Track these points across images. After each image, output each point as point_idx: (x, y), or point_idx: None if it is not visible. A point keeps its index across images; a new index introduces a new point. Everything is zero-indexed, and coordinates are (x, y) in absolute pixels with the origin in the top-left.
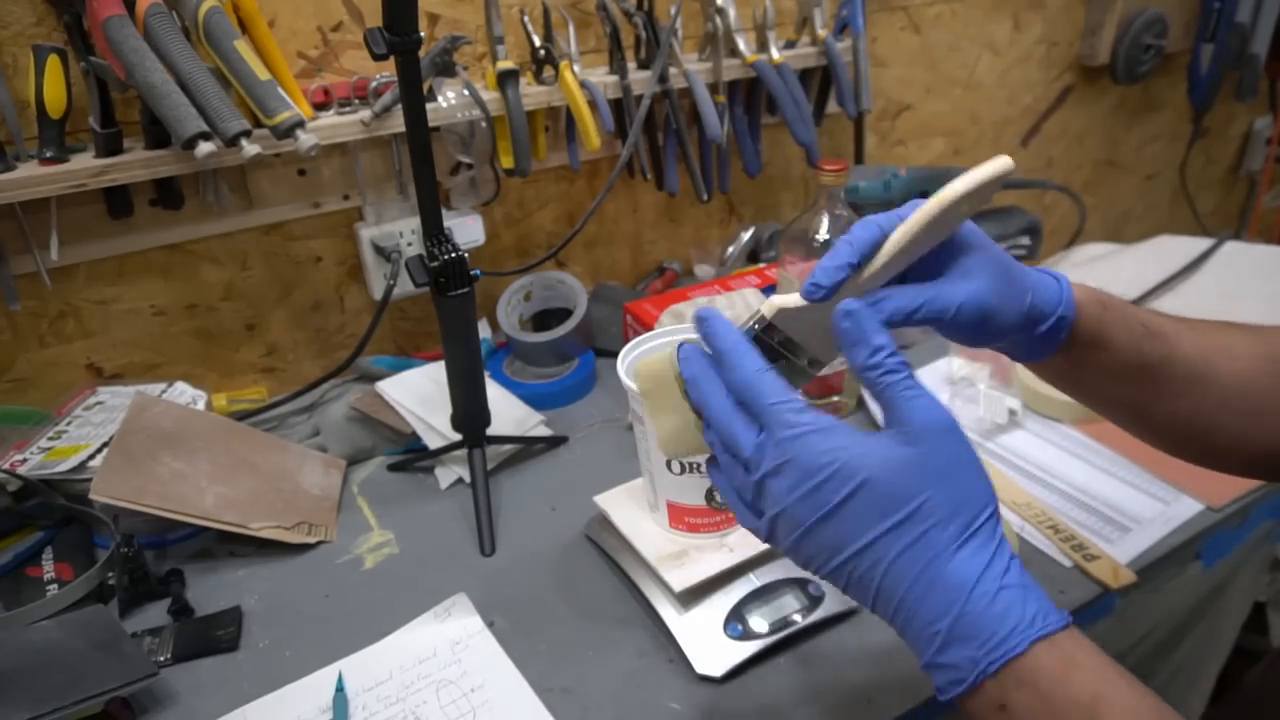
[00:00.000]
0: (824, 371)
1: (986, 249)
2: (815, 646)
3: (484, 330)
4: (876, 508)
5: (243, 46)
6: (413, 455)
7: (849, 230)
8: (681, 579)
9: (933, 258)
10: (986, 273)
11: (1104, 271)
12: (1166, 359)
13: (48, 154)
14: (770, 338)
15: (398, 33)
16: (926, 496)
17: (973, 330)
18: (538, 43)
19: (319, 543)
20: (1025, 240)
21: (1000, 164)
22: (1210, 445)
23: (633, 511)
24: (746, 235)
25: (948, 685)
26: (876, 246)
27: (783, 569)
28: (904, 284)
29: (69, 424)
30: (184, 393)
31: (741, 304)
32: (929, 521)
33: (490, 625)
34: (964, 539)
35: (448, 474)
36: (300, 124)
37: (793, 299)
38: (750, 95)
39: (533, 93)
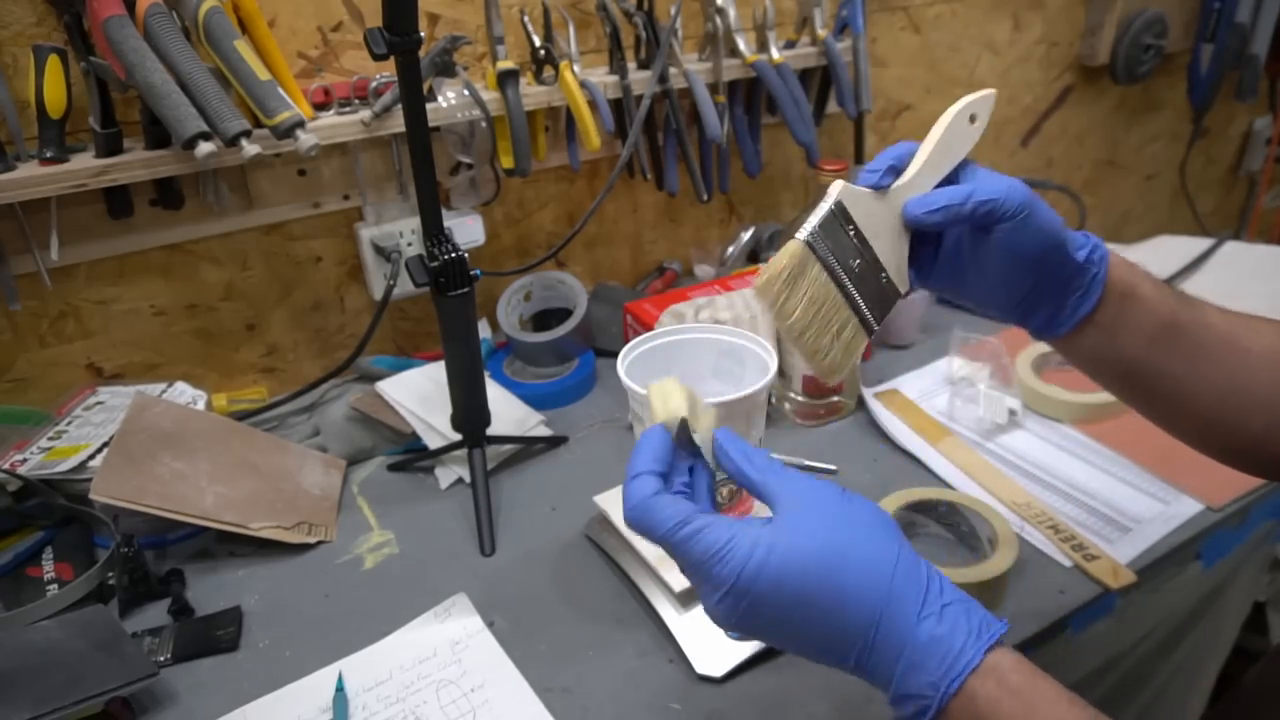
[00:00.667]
0: (898, 287)
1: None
2: None
3: (484, 330)
4: (801, 594)
5: (243, 46)
6: (413, 455)
7: (882, 151)
8: (681, 579)
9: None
10: (1018, 182)
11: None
12: (1198, 321)
13: (48, 154)
14: (844, 227)
15: (398, 33)
16: (838, 580)
17: (1016, 236)
18: (538, 43)
19: (319, 543)
20: None
21: (988, 90)
22: (1239, 433)
23: None
24: (746, 235)
25: (914, 716)
26: (909, 158)
27: None
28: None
29: (69, 424)
30: (184, 393)
31: (741, 304)
32: (855, 595)
33: (490, 625)
34: (891, 599)
35: (448, 474)
36: (300, 124)
37: (857, 188)
38: (750, 95)
39: (533, 93)
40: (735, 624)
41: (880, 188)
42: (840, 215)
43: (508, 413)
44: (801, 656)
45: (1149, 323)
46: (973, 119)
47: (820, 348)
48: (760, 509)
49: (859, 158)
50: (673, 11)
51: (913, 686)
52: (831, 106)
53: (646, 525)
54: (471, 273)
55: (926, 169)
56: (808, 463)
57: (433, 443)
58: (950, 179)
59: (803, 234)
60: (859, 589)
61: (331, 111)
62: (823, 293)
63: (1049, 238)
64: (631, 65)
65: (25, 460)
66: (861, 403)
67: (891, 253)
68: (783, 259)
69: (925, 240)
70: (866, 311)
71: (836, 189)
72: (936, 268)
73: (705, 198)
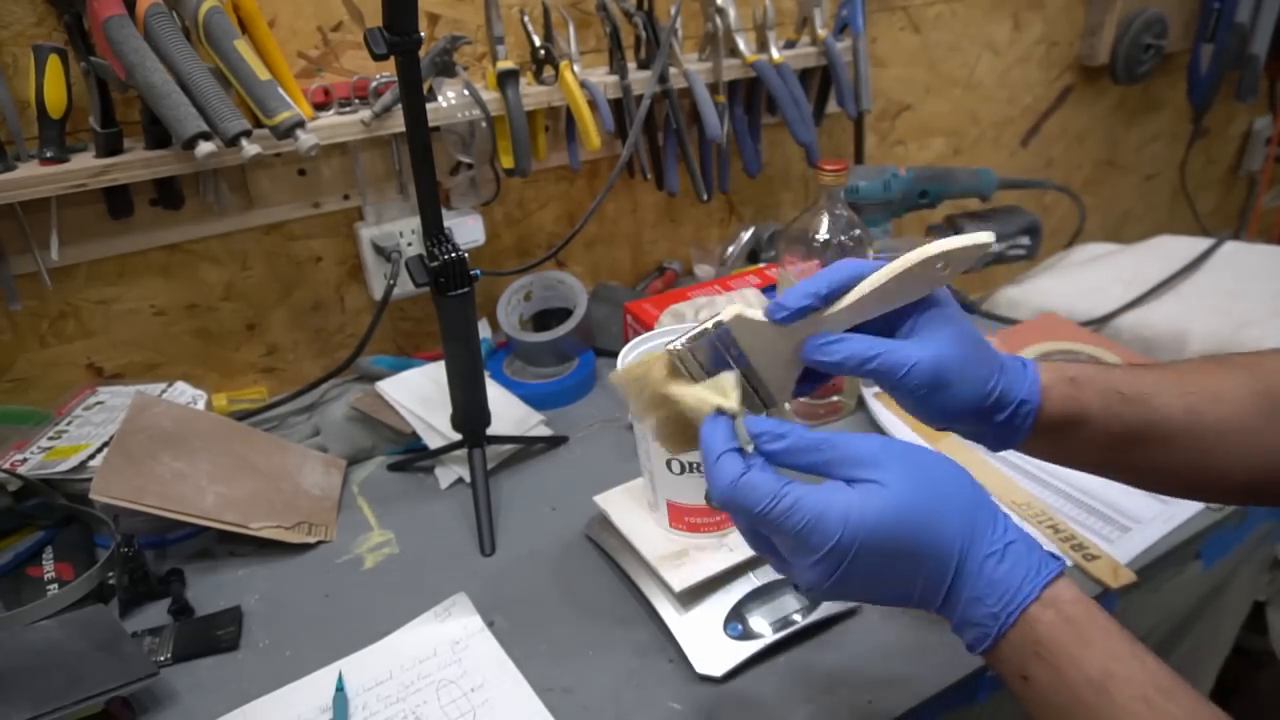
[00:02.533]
0: (766, 403)
1: (959, 323)
2: (815, 646)
3: (484, 330)
4: (888, 551)
5: (243, 46)
6: (413, 455)
7: (829, 266)
8: (681, 579)
9: (903, 319)
10: (954, 344)
11: (1104, 271)
12: (1147, 422)
13: (48, 154)
14: (726, 349)
15: (398, 33)
16: (919, 532)
17: (926, 400)
18: (538, 43)
19: (319, 543)
20: (1025, 240)
21: (981, 236)
22: (1224, 487)
23: (633, 511)
24: (746, 235)
25: (974, 642)
26: (849, 287)
27: None
28: (866, 334)
29: (69, 424)
30: (184, 393)
31: (741, 304)
32: (935, 545)
33: (490, 625)
34: (970, 537)
35: (448, 474)
36: (300, 124)
37: (756, 313)
38: (750, 95)
39: (533, 93)
40: (827, 586)
41: (778, 321)
42: (721, 339)
43: (508, 413)
44: (872, 603)
45: (1100, 441)
46: (944, 266)
47: (665, 434)
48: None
49: (859, 158)
50: (673, 11)
51: (975, 616)
52: (831, 106)
53: (742, 504)
54: (471, 273)
55: (850, 311)
56: None
57: (433, 443)
58: (902, 314)
59: (673, 344)
60: (941, 541)
61: (331, 111)
62: (665, 397)
63: (965, 406)
64: (631, 65)
65: (25, 460)
66: (862, 402)
67: (778, 376)
68: (641, 365)
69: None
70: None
71: (727, 316)
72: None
73: (705, 198)
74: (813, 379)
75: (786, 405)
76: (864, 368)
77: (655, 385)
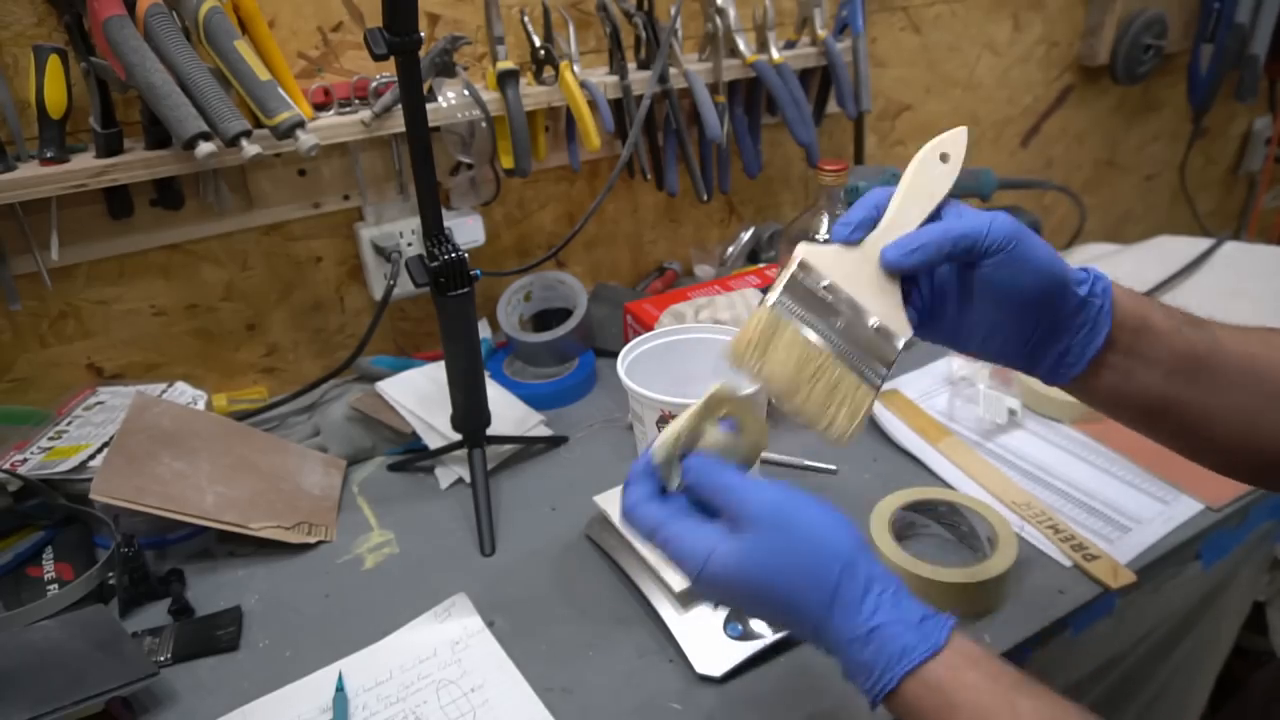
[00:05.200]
0: (893, 337)
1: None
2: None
3: (484, 330)
4: (744, 594)
5: (243, 46)
6: (413, 455)
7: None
8: (681, 579)
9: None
10: (1006, 216)
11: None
12: (1213, 348)
13: (48, 154)
14: (812, 280)
15: (398, 33)
16: (771, 587)
17: (1011, 268)
18: (538, 43)
19: (319, 543)
20: None
21: (958, 129)
22: (1266, 455)
23: None
24: (746, 235)
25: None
26: (885, 206)
27: None
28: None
29: (69, 424)
30: (184, 393)
31: (741, 304)
32: (789, 601)
33: (490, 625)
34: (830, 603)
35: (448, 474)
36: (300, 124)
37: (821, 246)
38: (750, 95)
39: (533, 93)
40: (713, 603)
41: (851, 242)
42: (808, 276)
43: (508, 413)
44: None
45: (1164, 356)
46: (944, 158)
47: (819, 414)
48: None
49: (859, 158)
50: (673, 11)
51: (855, 680)
52: (831, 106)
53: (633, 526)
54: (471, 273)
55: (901, 215)
56: (808, 463)
57: (433, 443)
58: (932, 220)
59: (769, 299)
60: (792, 608)
61: (331, 111)
62: (804, 354)
63: (1043, 273)
64: (631, 65)
65: (25, 460)
66: None
67: (879, 303)
68: (751, 325)
69: (917, 288)
70: (863, 366)
71: (801, 251)
72: (932, 318)
73: (705, 198)
74: (920, 313)
75: (908, 328)
76: (951, 246)
77: (762, 354)
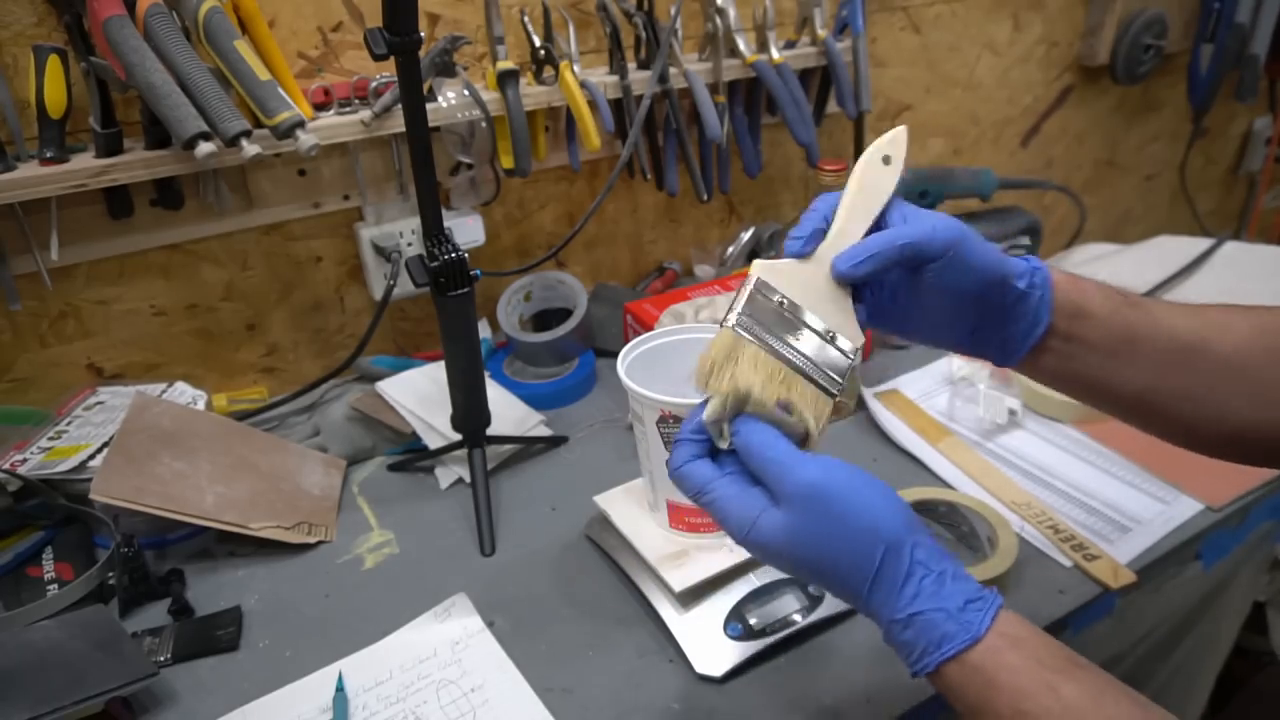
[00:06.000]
0: (846, 347)
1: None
2: (815, 646)
3: (484, 330)
4: (788, 565)
5: (243, 46)
6: (413, 455)
7: (810, 203)
8: (681, 579)
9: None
10: (948, 219)
11: (1104, 271)
12: (1154, 330)
13: (48, 154)
14: (768, 296)
15: (398, 33)
16: (815, 562)
17: (955, 269)
18: (538, 43)
19: (319, 543)
20: (1025, 240)
21: (898, 129)
22: (1217, 431)
23: (633, 511)
24: (746, 235)
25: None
26: (832, 210)
27: None
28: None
29: (69, 424)
30: (184, 393)
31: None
32: (831, 577)
33: (490, 625)
34: (871, 584)
35: (448, 474)
36: (300, 124)
37: (780, 261)
38: (750, 95)
39: (533, 93)
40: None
41: (804, 255)
42: (765, 293)
43: (508, 413)
44: None
45: (1103, 339)
46: (887, 160)
47: (783, 420)
48: None
49: (859, 158)
50: (673, 11)
51: (896, 652)
52: (831, 106)
53: (680, 485)
54: (471, 273)
55: (848, 223)
56: None
57: (433, 443)
58: (879, 224)
59: (730, 320)
60: (836, 579)
61: (331, 111)
62: (768, 366)
63: (985, 272)
64: (631, 65)
65: (25, 460)
66: (862, 403)
67: (834, 314)
68: (713, 347)
69: (868, 288)
70: (818, 377)
71: (756, 269)
72: (879, 312)
73: (705, 198)
74: (870, 308)
75: (859, 336)
76: (897, 255)
77: (732, 367)
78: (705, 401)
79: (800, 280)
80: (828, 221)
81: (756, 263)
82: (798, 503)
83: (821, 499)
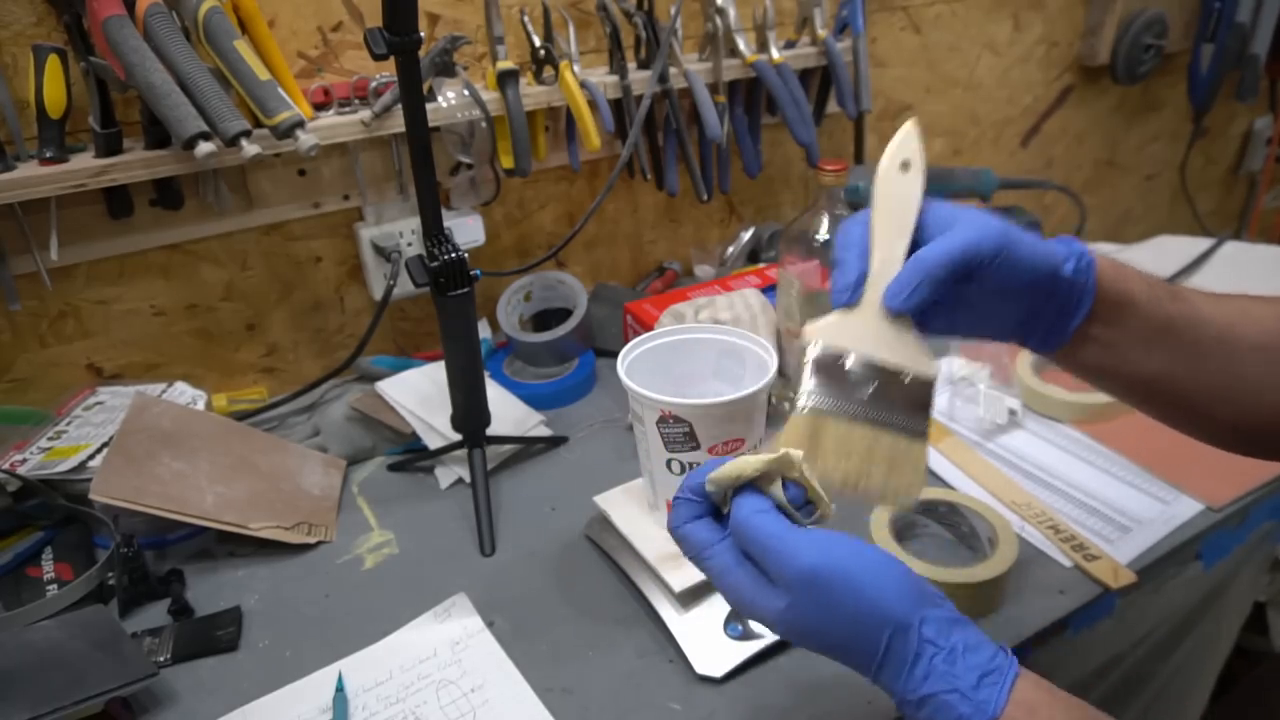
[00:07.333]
0: (922, 379)
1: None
2: None
3: (484, 330)
4: (793, 639)
5: (243, 46)
6: (413, 455)
7: (837, 235)
8: (681, 579)
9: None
10: (988, 217)
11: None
12: (1192, 320)
13: (48, 154)
14: (835, 359)
15: (398, 33)
16: (818, 642)
17: (1005, 266)
18: (538, 43)
19: (319, 543)
20: None
21: (906, 127)
22: (1252, 424)
23: (633, 511)
24: (746, 235)
25: None
26: (867, 237)
27: None
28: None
29: (69, 424)
30: (184, 393)
31: (741, 304)
32: (838, 656)
33: (490, 625)
34: (879, 666)
35: (448, 474)
36: (300, 124)
37: (825, 316)
38: (750, 95)
39: (533, 93)
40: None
41: (852, 304)
42: (824, 359)
43: (508, 413)
44: None
45: (1144, 327)
46: (905, 165)
47: (885, 489)
48: None
49: (859, 158)
50: (673, 11)
51: None
52: (831, 106)
53: (679, 544)
54: (471, 273)
55: (886, 250)
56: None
57: (433, 443)
58: (917, 236)
59: (801, 404)
60: (847, 656)
61: (331, 111)
62: (850, 441)
63: (1035, 267)
64: (631, 65)
65: (25, 460)
66: None
67: (899, 350)
68: (792, 434)
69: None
70: (905, 423)
71: (809, 335)
72: (929, 319)
73: (705, 198)
74: (933, 324)
75: (935, 364)
76: (946, 271)
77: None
78: (706, 465)
79: (856, 330)
80: (865, 259)
81: (808, 327)
82: (796, 588)
83: (822, 586)
